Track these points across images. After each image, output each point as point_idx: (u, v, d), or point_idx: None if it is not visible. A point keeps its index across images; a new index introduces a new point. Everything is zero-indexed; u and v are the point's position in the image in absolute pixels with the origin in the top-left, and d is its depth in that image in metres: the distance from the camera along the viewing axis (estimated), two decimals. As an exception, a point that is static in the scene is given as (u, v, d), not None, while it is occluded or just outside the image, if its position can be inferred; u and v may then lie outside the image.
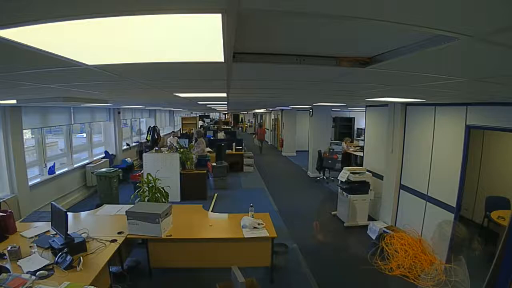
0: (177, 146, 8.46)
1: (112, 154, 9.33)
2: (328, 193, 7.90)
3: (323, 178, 9.39)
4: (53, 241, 3.04)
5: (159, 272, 3.82)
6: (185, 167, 7.36)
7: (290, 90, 3.16)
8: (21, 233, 3.42)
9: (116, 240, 3.29)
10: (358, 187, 5.56)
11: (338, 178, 6.03)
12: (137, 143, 12.23)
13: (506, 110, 3.28)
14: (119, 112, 9.64)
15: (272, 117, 18.51)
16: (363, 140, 8.01)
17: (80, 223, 3.89)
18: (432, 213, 4.37)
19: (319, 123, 9.75)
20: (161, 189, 4.95)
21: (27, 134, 5.89)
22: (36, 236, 3.34)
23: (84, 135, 8.39)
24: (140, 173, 6.83)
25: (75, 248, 2.92)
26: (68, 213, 3.17)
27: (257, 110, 19.41)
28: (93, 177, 7.20)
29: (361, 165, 6.99)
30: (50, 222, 3.39)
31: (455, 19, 0.74)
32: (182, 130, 20.68)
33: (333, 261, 4.46)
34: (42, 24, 0.74)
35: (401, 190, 5.19)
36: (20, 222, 3.79)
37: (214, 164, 8.61)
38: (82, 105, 5.90)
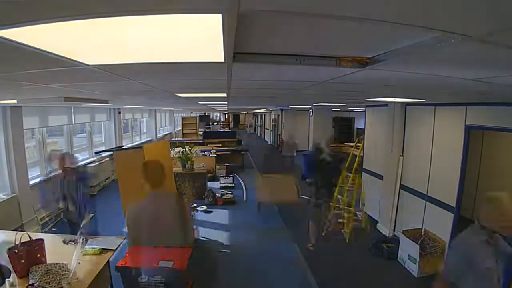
0: None
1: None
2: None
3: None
4: None
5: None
6: (185, 167, 7.37)
7: (289, 90, 3.16)
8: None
9: (116, 240, 3.28)
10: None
11: None
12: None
13: (506, 110, 3.27)
14: (119, 112, 9.63)
15: (272, 117, 18.48)
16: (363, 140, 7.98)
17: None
18: (432, 213, 4.37)
19: (319, 123, 9.75)
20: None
21: (27, 134, 5.88)
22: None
23: (85, 134, 8.39)
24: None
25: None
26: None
27: (257, 110, 19.39)
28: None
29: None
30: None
31: (454, 19, 0.74)
32: (183, 131, 17.75)
33: (333, 260, 4.46)
34: (42, 24, 0.74)
35: (400, 190, 5.19)
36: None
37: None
38: (83, 105, 5.90)
